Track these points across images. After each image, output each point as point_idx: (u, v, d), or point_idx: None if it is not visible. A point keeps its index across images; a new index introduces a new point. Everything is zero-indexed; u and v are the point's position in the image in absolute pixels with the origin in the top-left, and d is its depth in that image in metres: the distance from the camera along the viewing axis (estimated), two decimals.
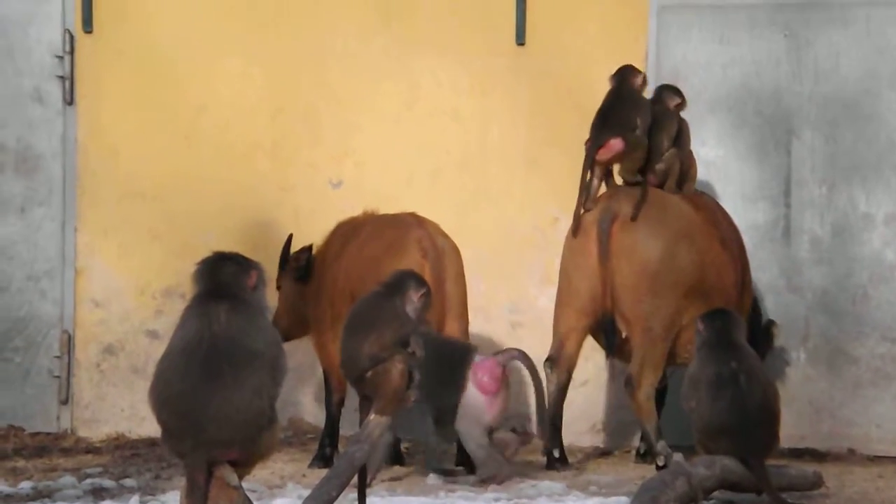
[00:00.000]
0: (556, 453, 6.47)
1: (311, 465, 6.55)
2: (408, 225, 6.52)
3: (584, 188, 6.52)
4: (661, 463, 6.30)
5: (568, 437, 7.36)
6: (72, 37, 7.61)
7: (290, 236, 6.74)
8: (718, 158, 7.36)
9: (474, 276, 7.35)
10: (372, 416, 4.95)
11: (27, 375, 7.63)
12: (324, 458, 6.59)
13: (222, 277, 4.54)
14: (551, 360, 6.52)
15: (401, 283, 5.04)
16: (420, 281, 5.06)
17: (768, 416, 5.40)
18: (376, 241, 6.50)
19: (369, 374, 4.94)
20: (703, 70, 7.33)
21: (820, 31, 7.26)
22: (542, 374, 6.32)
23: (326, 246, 6.68)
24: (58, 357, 7.62)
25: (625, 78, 6.69)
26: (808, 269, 7.26)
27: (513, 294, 7.50)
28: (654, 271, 6.37)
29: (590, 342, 6.71)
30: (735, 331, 5.50)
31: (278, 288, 6.74)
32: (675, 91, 6.82)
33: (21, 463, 6.69)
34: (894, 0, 7.24)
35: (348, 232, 6.65)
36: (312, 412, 7.49)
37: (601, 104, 6.67)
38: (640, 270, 6.36)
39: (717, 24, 7.35)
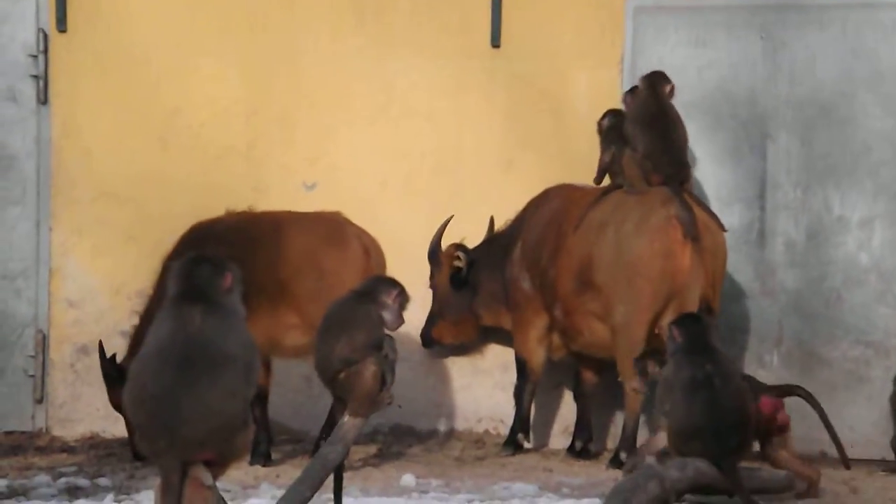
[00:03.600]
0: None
1: (251, 463, 6.51)
2: (341, 221, 6.67)
3: (689, 217, 6.52)
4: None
5: (540, 440, 7.40)
6: (46, 36, 7.57)
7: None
8: (694, 161, 7.38)
9: None
10: (346, 418, 4.96)
11: (1, 375, 7.60)
12: (260, 455, 6.58)
13: (197, 279, 4.54)
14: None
15: (373, 287, 5.05)
16: (392, 283, 5.07)
17: (741, 419, 5.42)
18: (310, 234, 6.56)
19: (342, 375, 4.95)
20: (680, 72, 7.33)
21: (796, 33, 7.28)
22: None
23: (204, 246, 6.47)
24: (32, 356, 7.59)
25: (661, 88, 6.80)
26: (782, 272, 7.28)
27: None
28: (724, 268, 6.63)
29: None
30: (710, 335, 5.53)
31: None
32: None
33: None
34: (870, 2, 7.26)
35: (257, 227, 6.62)
36: (286, 413, 7.48)
37: (650, 120, 6.73)
38: (722, 266, 6.63)
39: (694, 25, 7.36)
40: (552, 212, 6.98)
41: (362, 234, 6.64)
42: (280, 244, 6.57)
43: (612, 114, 7.03)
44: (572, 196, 6.97)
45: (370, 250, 6.59)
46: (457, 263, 7.15)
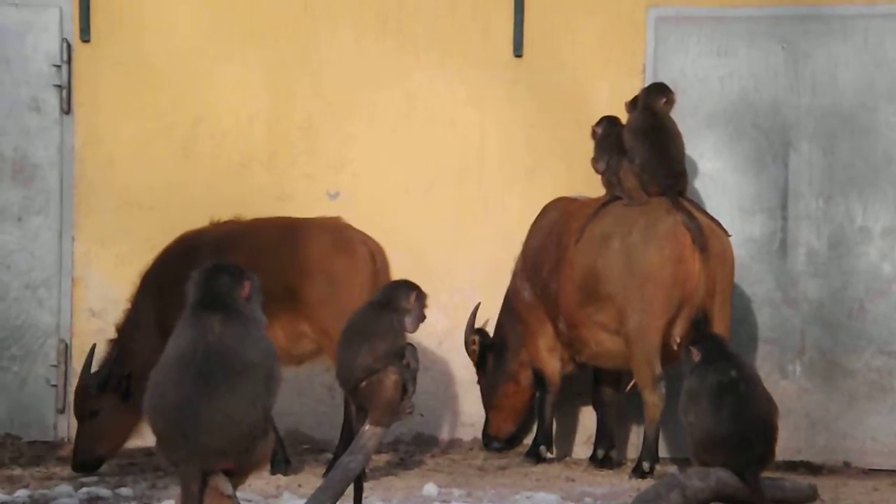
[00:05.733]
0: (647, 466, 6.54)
1: (273, 473, 6.51)
2: (345, 227, 6.68)
3: (695, 224, 6.57)
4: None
5: (563, 449, 7.38)
6: (69, 46, 7.62)
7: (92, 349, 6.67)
8: (715, 171, 7.37)
9: (472, 287, 7.38)
10: (366, 427, 4.96)
11: (24, 384, 7.63)
12: (280, 463, 6.58)
13: (216, 288, 4.55)
14: (660, 378, 6.53)
15: (391, 295, 5.05)
16: (408, 286, 5.06)
17: (765, 429, 5.38)
18: (318, 240, 6.57)
19: (363, 384, 4.95)
20: (701, 83, 7.34)
21: (818, 44, 7.27)
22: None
23: (199, 260, 6.43)
24: (54, 366, 7.61)
25: (656, 101, 6.82)
26: (804, 282, 7.25)
27: None
28: (733, 272, 6.67)
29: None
30: (726, 345, 5.51)
31: (96, 411, 6.63)
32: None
33: (18, 471, 6.70)
34: (893, 12, 7.24)
35: (260, 235, 6.62)
36: (309, 423, 7.49)
37: (645, 132, 6.76)
38: (731, 271, 6.66)
39: (715, 36, 7.35)
40: (551, 223, 7.02)
41: (367, 240, 6.67)
42: (288, 251, 6.57)
43: (608, 121, 7.02)
44: (570, 208, 7.01)
45: (375, 255, 6.62)
46: (473, 348, 7.15)
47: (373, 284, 6.45)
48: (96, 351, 6.78)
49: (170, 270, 6.57)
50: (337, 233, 6.65)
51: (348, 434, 6.29)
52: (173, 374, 4.43)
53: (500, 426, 7.23)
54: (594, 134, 7.05)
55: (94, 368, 6.75)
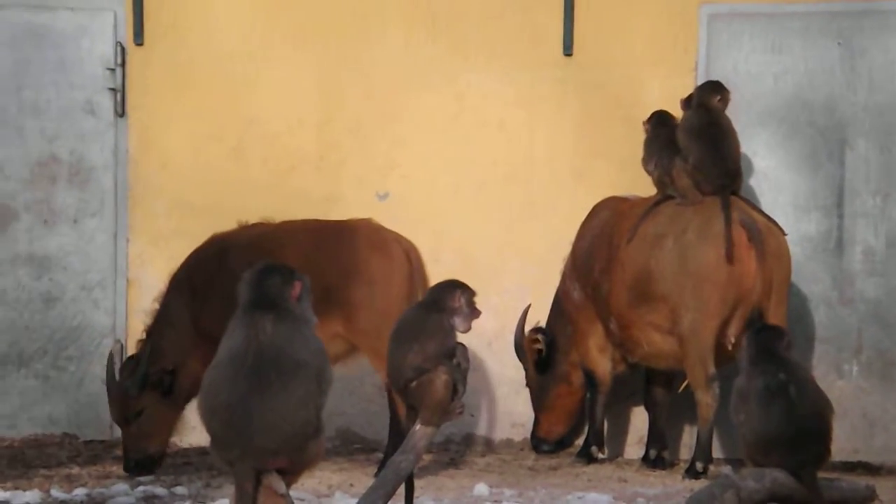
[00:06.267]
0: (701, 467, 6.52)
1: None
2: (378, 227, 6.67)
3: (751, 222, 6.52)
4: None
5: (615, 450, 7.35)
6: (123, 49, 7.70)
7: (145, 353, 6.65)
8: (769, 168, 7.30)
9: (521, 288, 7.36)
10: (417, 427, 4.96)
11: (81, 384, 7.72)
12: None
13: (267, 288, 4.57)
14: (713, 378, 6.49)
15: (438, 296, 5.05)
16: (452, 286, 5.05)
17: (820, 428, 5.32)
18: (355, 241, 6.58)
19: (413, 384, 4.95)
20: (755, 80, 7.27)
21: (875, 39, 7.18)
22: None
23: (232, 261, 6.43)
24: None
25: (711, 99, 6.75)
26: (861, 281, 7.18)
27: None
28: (790, 271, 6.59)
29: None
30: (778, 344, 5.45)
31: (139, 411, 6.63)
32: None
33: (76, 470, 6.78)
34: None
35: (296, 237, 6.61)
36: (360, 423, 7.51)
37: (700, 131, 6.69)
38: (787, 270, 6.60)
39: (769, 32, 7.29)
40: (601, 223, 6.98)
41: (400, 239, 6.68)
42: (324, 253, 6.57)
43: (657, 118, 6.94)
44: (620, 208, 6.96)
45: (410, 254, 6.63)
46: (537, 346, 7.11)
47: (409, 283, 6.47)
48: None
49: (203, 270, 6.65)
50: (372, 234, 6.66)
51: (396, 433, 6.31)
52: (227, 374, 4.47)
53: (550, 428, 7.20)
54: (646, 130, 7.01)
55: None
